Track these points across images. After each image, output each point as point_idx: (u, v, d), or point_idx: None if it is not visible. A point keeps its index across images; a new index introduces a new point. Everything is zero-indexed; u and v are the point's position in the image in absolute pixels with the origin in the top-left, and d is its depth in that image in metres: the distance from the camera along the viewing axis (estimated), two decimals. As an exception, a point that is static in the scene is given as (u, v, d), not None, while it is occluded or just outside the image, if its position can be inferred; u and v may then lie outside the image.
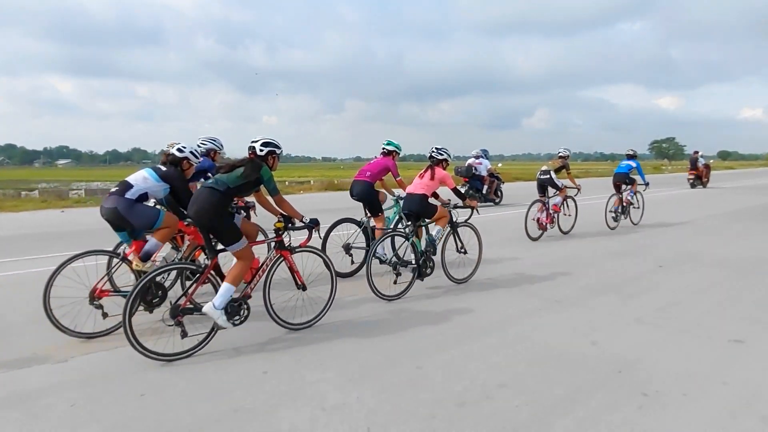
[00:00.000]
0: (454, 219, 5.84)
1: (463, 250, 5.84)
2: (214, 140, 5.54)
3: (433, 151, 5.80)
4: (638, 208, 10.51)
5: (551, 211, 8.76)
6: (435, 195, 5.77)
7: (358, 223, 6.28)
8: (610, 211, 9.83)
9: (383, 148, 6.52)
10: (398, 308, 4.90)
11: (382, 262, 5.72)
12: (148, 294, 4.14)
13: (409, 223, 5.54)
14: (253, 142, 4.18)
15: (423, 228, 5.64)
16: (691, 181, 21.82)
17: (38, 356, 3.68)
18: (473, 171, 13.79)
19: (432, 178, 5.59)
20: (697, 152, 22.30)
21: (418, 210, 5.47)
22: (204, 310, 3.73)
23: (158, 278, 4.19)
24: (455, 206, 5.79)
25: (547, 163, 9.14)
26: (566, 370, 3.54)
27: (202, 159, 5.33)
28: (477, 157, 13.91)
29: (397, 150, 6.49)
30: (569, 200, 9.20)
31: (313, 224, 4.25)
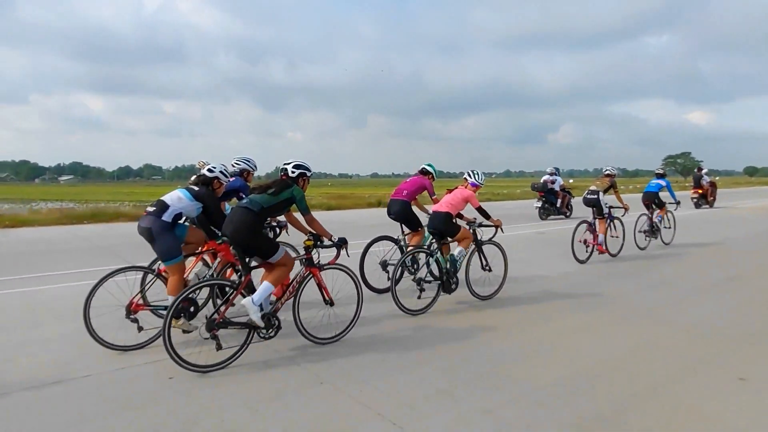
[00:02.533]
0: (479, 237, 5.88)
1: (487, 268, 5.87)
2: (248, 161, 5.77)
3: (466, 173, 5.93)
4: (669, 227, 10.29)
5: (599, 240, 8.34)
6: (460, 215, 5.84)
7: (396, 241, 6.41)
8: (640, 231, 9.65)
9: (422, 168, 6.68)
10: (420, 324, 4.95)
11: (410, 273, 5.78)
12: (182, 309, 4.29)
13: (433, 240, 5.61)
14: (285, 164, 4.41)
15: (448, 245, 5.70)
16: (695, 200, 20.06)
17: (77, 365, 3.87)
18: (548, 186, 15.25)
19: (458, 197, 5.68)
20: (701, 169, 21.17)
21: (442, 228, 5.55)
22: (243, 302, 3.93)
23: (191, 295, 4.34)
24: (480, 225, 5.85)
25: (594, 183, 8.74)
26: (586, 396, 3.53)
27: (234, 178, 5.56)
28: (551, 174, 15.40)
29: (433, 174, 6.63)
30: (616, 221, 8.74)
31: (341, 243, 4.39)
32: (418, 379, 3.65)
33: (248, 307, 3.92)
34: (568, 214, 15.73)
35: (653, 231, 9.77)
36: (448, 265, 5.53)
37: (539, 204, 15.26)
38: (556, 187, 15.29)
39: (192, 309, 4.39)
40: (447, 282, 5.49)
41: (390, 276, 6.03)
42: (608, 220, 8.49)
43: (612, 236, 8.66)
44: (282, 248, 4.18)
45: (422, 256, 5.59)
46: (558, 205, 15.35)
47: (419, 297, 5.28)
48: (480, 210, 5.70)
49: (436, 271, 5.50)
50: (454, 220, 5.64)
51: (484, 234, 6.01)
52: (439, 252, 5.52)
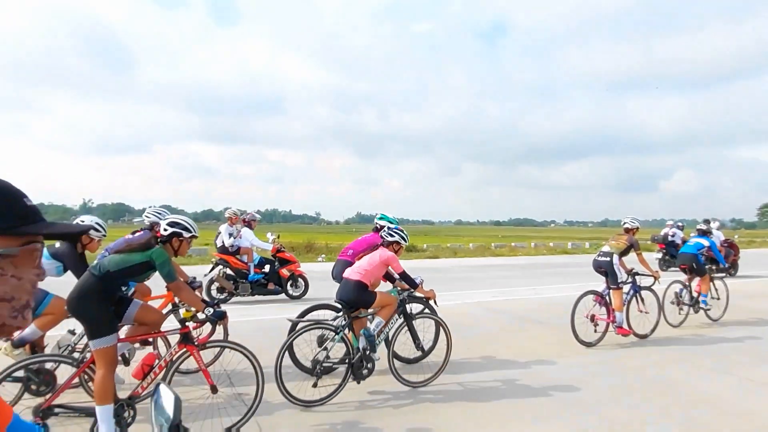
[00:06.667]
0: (409, 311, 4.93)
1: (420, 348, 4.90)
2: (160, 213, 5.15)
3: (384, 233, 5.05)
4: (718, 298, 8.41)
5: (618, 320, 6.62)
6: (391, 279, 5.00)
7: (338, 310, 5.28)
8: (671, 303, 7.87)
9: (376, 223, 5.91)
10: (320, 413, 4.18)
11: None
12: (30, 381, 3.83)
13: (340, 314, 4.76)
14: (163, 219, 3.88)
15: (363, 320, 4.80)
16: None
17: None
18: (668, 239, 15.65)
19: (375, 261, 4.81)
20: (709, 221, 15.54)
21: (351, 299, 4.68)
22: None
23: (48, 365, 3.90)
24: (410, 295, 4.92)
25: (609, 242, 7.09)
26: None
27: (143, 232, 5.10)
28: (671, 227, 15.96)
29: (390, 224, 5.76)
30: (644, 292, 7.03)
31: (216, 317, 3.73)
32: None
33: None
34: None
35: (692, 302, 8.01)
36: (360, 344, 4.60)
37: (659, 255, 15.77)
38: (677, 240, 15.46)
39: (47, 380, 3.91)
40: (358, 365, 4.56)
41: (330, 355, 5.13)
42: (631, 292, 6.90)
43: (640, 311, 6.93)
44: (111, 338, 3.42)
45: (329, 334, 4.65)
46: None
47: (314, 385, 4.37)
48: (403, 275, 4.79)
49: (340, 353, 4.60)
50: (370, 289, 4.76)
51: (413, 307, 5.05)
52: (347, 328, 4.61)
